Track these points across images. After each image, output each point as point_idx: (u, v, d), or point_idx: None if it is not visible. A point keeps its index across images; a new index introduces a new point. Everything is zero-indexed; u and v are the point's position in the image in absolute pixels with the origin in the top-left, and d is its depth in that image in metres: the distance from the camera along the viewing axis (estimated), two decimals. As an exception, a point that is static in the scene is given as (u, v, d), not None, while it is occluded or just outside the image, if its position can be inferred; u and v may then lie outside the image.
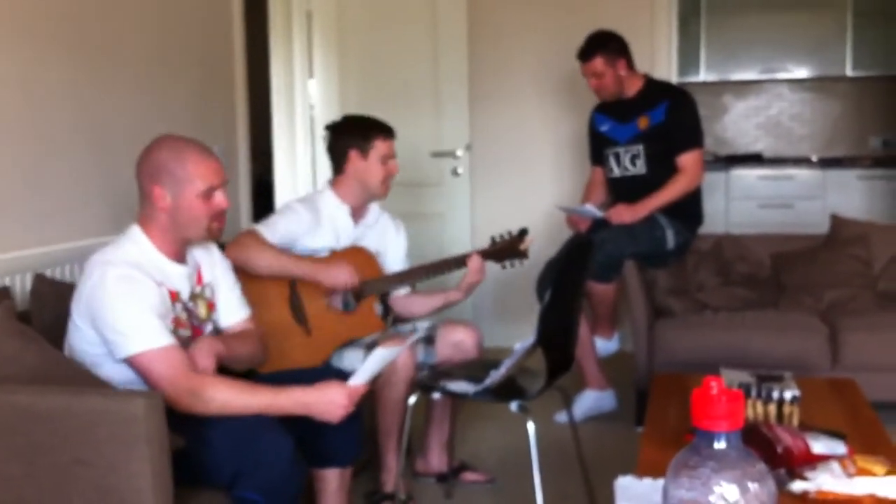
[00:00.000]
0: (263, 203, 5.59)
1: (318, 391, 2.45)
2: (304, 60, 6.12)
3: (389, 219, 3.65)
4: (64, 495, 2.14)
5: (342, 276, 3.24)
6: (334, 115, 5.61)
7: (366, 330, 3.36)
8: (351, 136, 3.48)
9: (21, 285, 3.03)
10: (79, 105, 3.46)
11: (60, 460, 2.13)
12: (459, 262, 3.47)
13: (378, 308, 3.50)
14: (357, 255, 3.43)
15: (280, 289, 3.27)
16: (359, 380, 2.51)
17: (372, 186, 3.46)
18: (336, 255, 3.39)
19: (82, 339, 2.46)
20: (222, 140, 4.61)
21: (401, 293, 3.60)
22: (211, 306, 2.69)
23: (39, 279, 2.85)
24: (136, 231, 2.54)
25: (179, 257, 2.58)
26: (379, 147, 3.44)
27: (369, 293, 3.39)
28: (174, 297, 2.53)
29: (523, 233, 3.53)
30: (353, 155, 3.45)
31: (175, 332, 2.49)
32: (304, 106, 6.17)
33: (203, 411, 2.34)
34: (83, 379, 2.35)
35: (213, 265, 2.73)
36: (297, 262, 3.24)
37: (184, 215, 2.50)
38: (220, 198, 2.53)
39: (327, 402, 2.44)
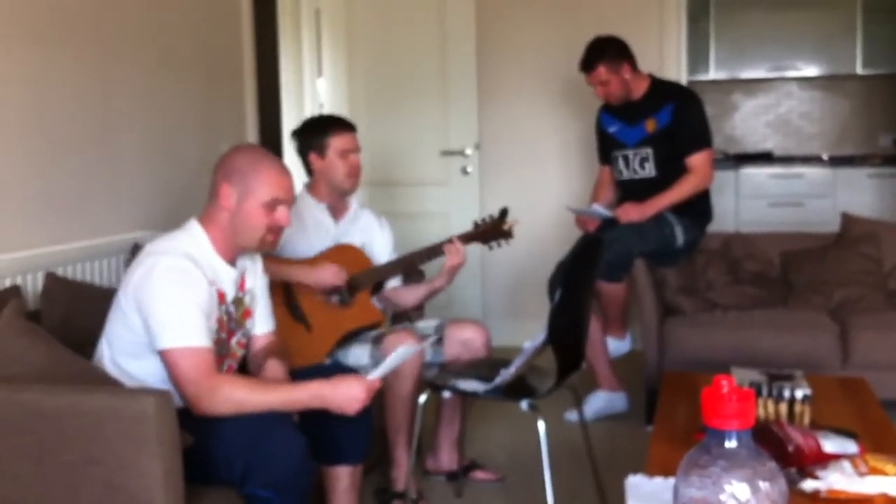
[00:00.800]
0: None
1: (334, 384, 2.45)
2: (313, 59, 6.13)
3: (371, 214, 3.67)
4: (74, 494, 2.14)
5: (327, 275, 3.26)
6: (344, 114, 5.62)
7: (366, 319, 3.38)
8: (307, 138, 3.52)
9: (32, 284, 3.04)
10: (88, 104, 3.47)
11: (70, 459, 2.13)
12: (445, 245, 3.49)
13: (376, 302, 3.51)
14: (345, 252, 3.45)
15: (274, 289, 3.27)
16: (378, 374, 2.52)
17: (337, 183, 3.48)
18: (323, 256, 3.40)
19: (125, 325, 2.46)
20: (231, 139, 4.62)
21: (391, 285, 3.61)
22: (247, 314, 2.70)
23: (50, 278, 2.85)
24: (195, 226, 2.55)
25: (231, 261, 2.59)
26: (334, 143, 3.45)
27: (362, 285, 3.41)
28: (221, 298, 2.54)
29: (504, 212, 3.55)
30: (313, 157, 3.49)
31: (217, 332, 2.51)
32: (313, 104, 6.17)
33: (222, 412, 2.33)
34: (92, 377, 2.35)
35: (256, 275, 2.75)
36: (284, 268, 3.25)
37: (243, 220, 2.51)
38: (282, 213, 2.54)
39: (344, 396, 2.44)
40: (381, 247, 3.62)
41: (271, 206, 2.51)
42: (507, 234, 3.57)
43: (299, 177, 5.70)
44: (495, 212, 3.59)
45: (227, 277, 2.57)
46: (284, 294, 3.29)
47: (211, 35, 4.43)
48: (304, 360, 3.13)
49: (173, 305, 2.38)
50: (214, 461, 2.30)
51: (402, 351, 2.60)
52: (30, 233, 3.15)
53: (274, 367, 2.65)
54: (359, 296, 3.39)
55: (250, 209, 2.50)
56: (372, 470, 3.43)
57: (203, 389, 2.34)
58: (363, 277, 3.42)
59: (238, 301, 2.64)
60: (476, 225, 3.58)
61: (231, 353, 2.64)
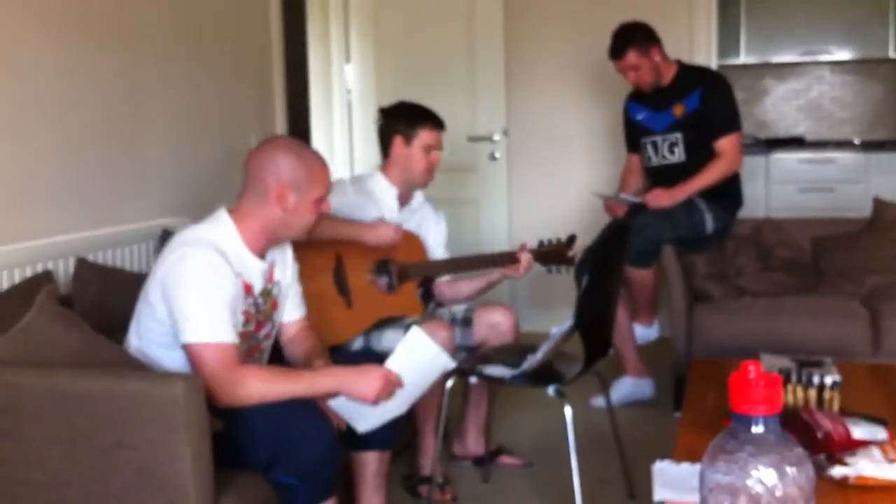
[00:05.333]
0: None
1: (357, 372, 2.47)
2: (341, 45, 6.14)
3: (431, 207, 3.66)
4: (104, 478, 2.17)
5: (387, 233, 3.26)
6: (371, 100, 5.64)
7: (404, 310, 3.37)
8: (398, 121, 3.50)
9: (64, 269, 3.08)
10: (117, 93, 3.49)
11: (101, 443, 2.15)
12: (507, 258, 3.46)
13: (419, 293, 3.52)
14: (406, 238, 3.44)
15: (326, 260, 3.29)
16: (394, 363, 2.52)
17: (414, 174, 3.47)
18: None
19: (153, 316, 2.46)
20: (260, 126, 4.64)
21: (444, 279, 3.60)
22: (275, 305, 2.71)
23: (81, 263, 2.88)
24: (224, 217, 2.54)
25: (260, 253, 2.60)
26: (423, 136, 3.44)
27: (413, 276, 3.40)
28: (248, 290, 2.54)
29: (572, 239, 3.51)
30: (398, 140, 3.47)
31: (245, 325, 2.52)
32: (341, 90, 6.18)
33: (245, 404, 2.34)
34: (124, 362, 2.37)
35: (286, 265, 2.75)
36: (341, 225, 3.25)
37: (298, 218, 2.56)
38: (327, 204, 2.62)
39: (366, 384, 2.45)
40: (433, 241, 3.62)
41: (320, 201, 2.58)
42: (570, 262, 3.52)
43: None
44: (563, 235, 3.56)
45: (255, 269, 2.57)
46: (336, 265, 3.30)
47: (239, 22, 4.45)
48: (334, 336, 3.15)
49: (200, 299, 2.38)
50: (241, 448, 2.32)
51: (414, 333, 2.59)
52: (61, 219, 3.18)
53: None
54: (406, 285, 3.39)
55: (304, 207, 2.55)
56: (399, 455, 3.45)
57: (225, 383, 2.33)
58: (416, 268, 3.42)
59: (266, 293, 2.64)
60: (541, 244, 3.55)
61: (259, 346, 2.66)
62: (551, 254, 3.51)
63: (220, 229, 2.52)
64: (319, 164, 2.60)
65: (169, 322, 2.43)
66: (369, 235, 3.26)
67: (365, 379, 2.46)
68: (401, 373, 2.53)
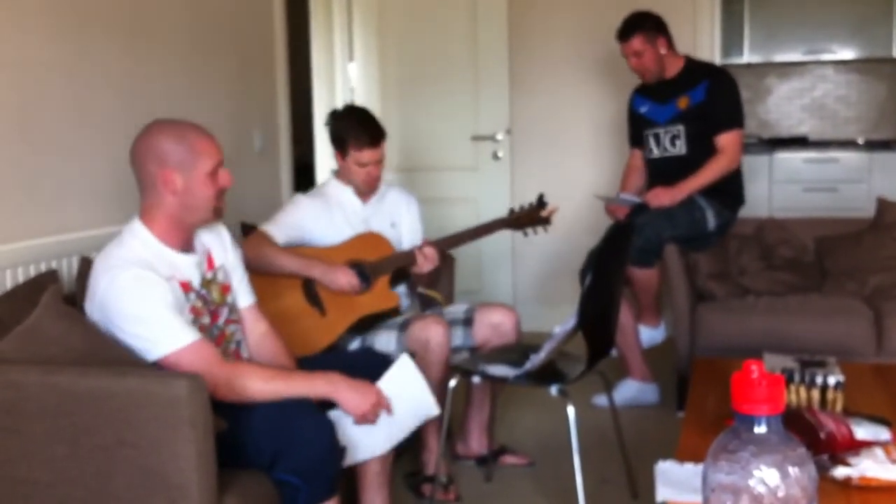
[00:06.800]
0: (305, 185, 5.62)
1: (353, 384, 2.49)
2: (344, 43, 6.14)
3: (400, 192, 3.69)
4: (107, 476, 2.17)
5: (342, 280, 3.29)
6: (374, 98, 5.64)
7: (381, 305, 3.39)
8: (333, 132, 3.54)
9: (68, 268, 3.08)
10: (121, 89, 3.49)
11: (104, 441, 2.16)
12: (487, 229, 3.50)
13: (402, 289, 3.52)
14: (368, 240, 3.47)
15: (292, 278, 3.31)
16: (384, 385, 2.56)
17: (356, 184, 3.52)
18: (347, 244, 3.43)
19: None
20: (263, 124, 4.64)
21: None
22: (225, 289, 2.66)
23: (86, 262, 2.88)
24: (137, 226, 2.49)
25: (186, 246, 2.54)
26: (354, 154, 3.46)
27: (382, 272, 3.42)
28: (186, 287, 2.49)
29: (541, 199, 3.55)
30: (336, 153, 3.54)
31: (195, 321, 2.48)
32: (344, 89, 6.19)
33: (240, 400, 2.35)
34: (128, 361, 2.37)
35: (225, 248, 2.70)
36: (300, 261, 3.28)
37: (194, 197, 2.45)
38: (224, 175, 2.50)
39: (360, 398, 2.48)
40: (406, 227, 3.64)
41: (214, 172, 2.48)
42: (546, 221, 3.56)
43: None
44: (533, 199, 3.58)
45: (186, 265, 2.52)
46: (304, 280, 3.31)
47: (242, 21, 4.45)
48: (315, 343, 3.16)
49: (147, 316, 2.34)
50: (244, 447, 2.32)
51: (403, 361, 2.64)
52: (65, 218, 3.18)
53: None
54: (378, 282, 3.40)
55: (199, 184, 2.45)
56: (402, 455, 3.45)
57: (218, 379, 2.34)
58: (383, 264, 3.43)
59: (209, 282, 2.59)
60: (511, 211, 3.57)
61: (225, 334, 2.62)
62: (522, 218, 3.55)
63: (136, 240, 2.46)
64: (200, 136, 2.47)
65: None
66: (324, 278, 3.28)
67: (358, 392, 2.48)
68: (389, 397, 2.55)
